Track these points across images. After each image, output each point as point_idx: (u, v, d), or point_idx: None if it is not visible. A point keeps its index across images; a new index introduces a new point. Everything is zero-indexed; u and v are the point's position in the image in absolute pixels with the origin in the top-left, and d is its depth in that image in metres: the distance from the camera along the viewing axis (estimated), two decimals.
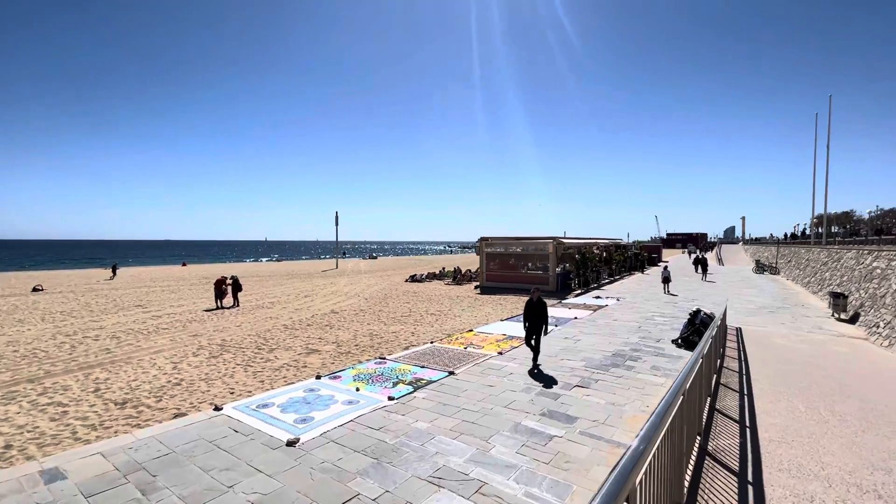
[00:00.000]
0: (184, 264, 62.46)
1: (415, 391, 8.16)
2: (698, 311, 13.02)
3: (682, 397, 3.82)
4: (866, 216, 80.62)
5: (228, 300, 22.02)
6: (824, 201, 36.48)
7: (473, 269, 36.20)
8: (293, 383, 8.84)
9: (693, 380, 4.61)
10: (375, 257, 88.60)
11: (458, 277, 33.84)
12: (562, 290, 25.88)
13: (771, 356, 10.60)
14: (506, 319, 16.38)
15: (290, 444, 5.99)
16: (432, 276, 37.94)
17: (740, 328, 14.52)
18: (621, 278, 35.18)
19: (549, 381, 8.75)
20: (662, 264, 44.37)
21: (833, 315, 17.08)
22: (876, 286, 15.80)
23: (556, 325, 14.74)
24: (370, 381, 8.81)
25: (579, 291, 25.53)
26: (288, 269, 53.59)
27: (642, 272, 37.10)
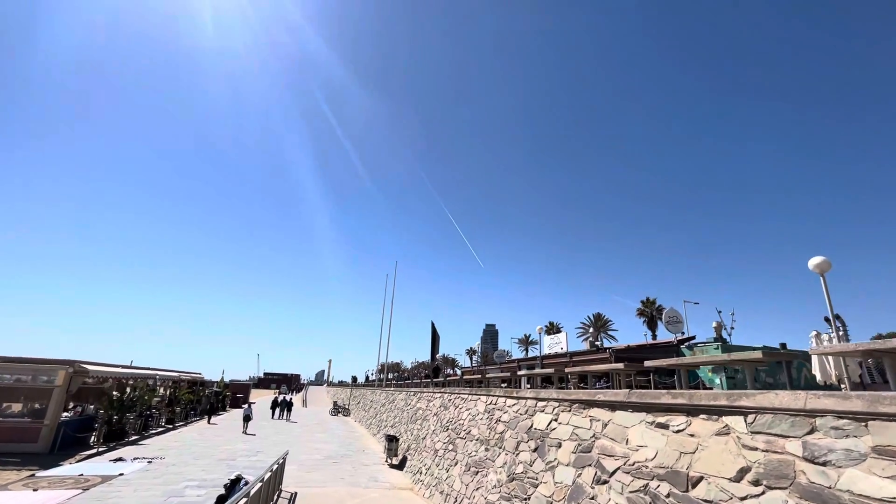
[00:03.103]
0: None
1: None
2: (239, 478, 8.88)
3: None
4: (410, 366, 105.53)
5: None
6: (387, 351, 43.43)
7: None
8: None
9: None
10: None
11: None
12: (65, 449, 16.05)
13: None
14: None
15: None
16: None
17: (296, 493, 11.22)
18: (185, 425, 27.22)
19: None
20: (247, 405, 39.25)
21: (387, 460, 16.77)
22: (419, 427, 16.70)
23: None
24: None
25: (98, 450, 16.53)
26: None
27: (208, 420, 29.16)
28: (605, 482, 5.71)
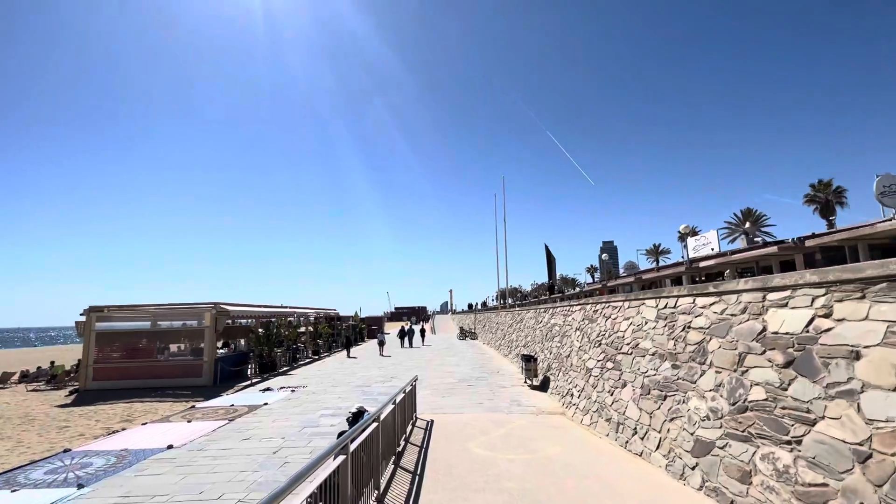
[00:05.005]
0: None
1: None
2: (361, 411, 7.51)
3: None
4: (529, 289, 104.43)
5: None
6: (506, 273, 41.80)
7: None
8: None
9: None
10: None
11: (60, 376, 20.55)
12: (225, 381, 17.48)
13: None
14: None
15: None
16: (26, 377, 22.69)
17: (432, 421, 9.91)
18: (329, 355, 29.25)
19: None
20: (381, 333, 42.07)
21: (526, 381, 15.08)
22: (558, 345, 14.48)
23: (75, 489, 6.58)
24: None
25: (252, 381, 17.74)
26: None
27: (348, 353, 29.78)
28: None
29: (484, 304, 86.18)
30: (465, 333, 41.82)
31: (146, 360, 17.55)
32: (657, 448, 6.62)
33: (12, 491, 6.60)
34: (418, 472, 6.32)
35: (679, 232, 34.34)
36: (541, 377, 14.70)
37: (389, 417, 6.56)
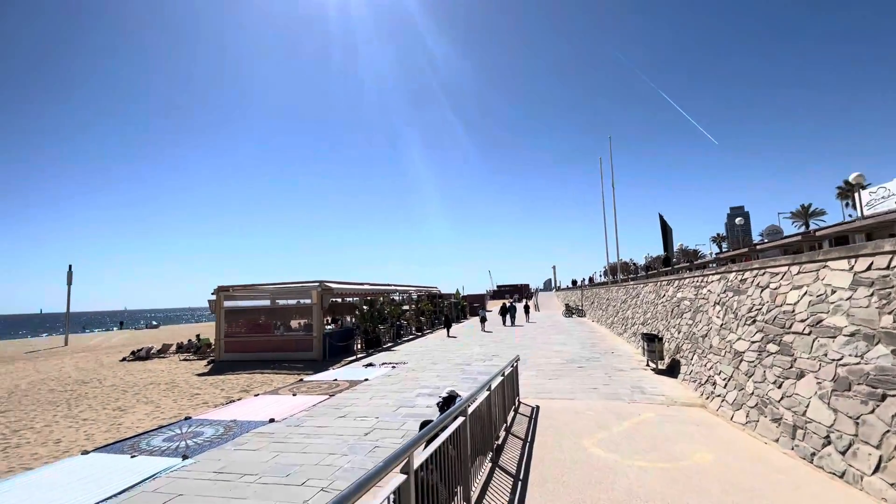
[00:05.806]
0: None
1: None
2: (452, 396, 6.54)
3: None
4: (642, 262, 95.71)
5: None
6: (616, 244, 38.09)
7: None
8: None
9: None
10: (156, 325, 68.84)
11: (203, 348, 23.48)
12: (334, 356, 18.16)
13: None
14: (94, 452, 7.67)
15: None
16: (181, 348, 26.56)
17: (537, 408, 8.65)
18: (431, 332, 29.45)
19: None
20: (482, 310, 41.71)
21: (648, 364, 12.98)
22: (689, 322, 12.07)
23: (180, 460, 6.66)
24: None
25: (358, 356, 18.19)
26: None
27: (448, 332, 27.97)
28: None
29: (590, 279, 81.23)
30: (571, 310, 39.38)
31: (266, 335, 18.96)
32: (876, 470, 4.55)
33: (132, 457, 6.94)
34: (521, 478, 5.13)
35: (846, 183, 27.66)
36: (667, 360, 12.48)
37: (484, 406, 5.47)
